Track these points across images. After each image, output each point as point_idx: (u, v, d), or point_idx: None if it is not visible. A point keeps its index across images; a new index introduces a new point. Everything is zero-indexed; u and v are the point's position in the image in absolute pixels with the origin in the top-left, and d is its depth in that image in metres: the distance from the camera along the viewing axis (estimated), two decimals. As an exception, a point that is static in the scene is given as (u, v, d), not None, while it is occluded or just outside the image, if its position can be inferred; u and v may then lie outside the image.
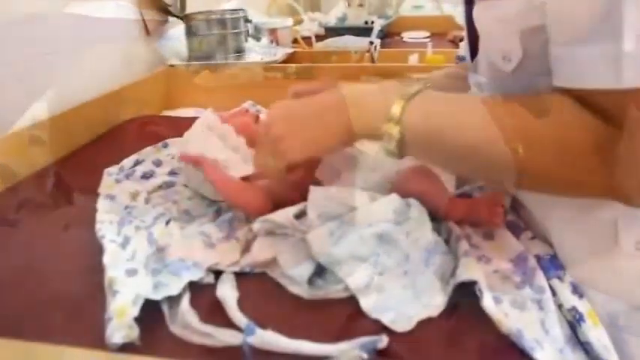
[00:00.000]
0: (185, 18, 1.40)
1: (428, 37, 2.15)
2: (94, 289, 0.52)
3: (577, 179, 0.47)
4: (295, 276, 0.49)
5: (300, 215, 0.54)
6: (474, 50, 0.63)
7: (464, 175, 0.62)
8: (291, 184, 0.62)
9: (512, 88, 0.56)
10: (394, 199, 0.54)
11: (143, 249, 0.55)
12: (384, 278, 0.49)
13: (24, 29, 0.95)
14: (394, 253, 0.50)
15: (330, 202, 0.53)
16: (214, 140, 0.67)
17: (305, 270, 0.49)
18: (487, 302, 0.46)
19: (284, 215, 0.53)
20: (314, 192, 0.54)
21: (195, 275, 0.52)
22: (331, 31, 2.02)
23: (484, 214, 0.59)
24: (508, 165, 0.48)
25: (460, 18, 2.39)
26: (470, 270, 0.49)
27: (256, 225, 0.55)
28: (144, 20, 1.33)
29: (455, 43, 2.07)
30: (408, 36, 2.17)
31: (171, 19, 1.42)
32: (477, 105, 0.51)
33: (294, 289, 0.50)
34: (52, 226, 0.68)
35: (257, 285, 0.53)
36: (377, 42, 1.47)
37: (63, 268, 0.58)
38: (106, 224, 0.61)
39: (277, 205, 0.58)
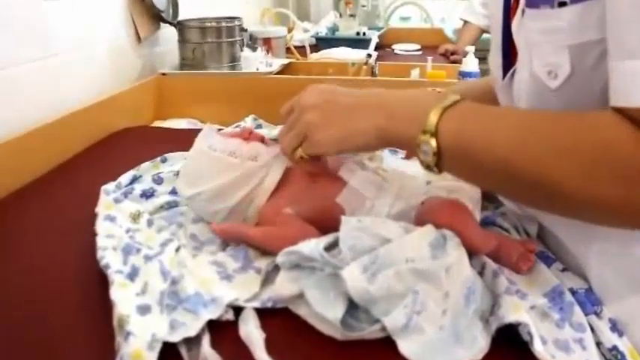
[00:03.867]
0: (178, 25, 1.34)
1: (419, 50, 2.14)
2: (98, 326, 0.47)
3: (616, 198, 0.42)
4: (328, 316, 0.45)
5: (329, 247, 0.50)
6: (507, 67, 0.60)
7: (498, 193, 0.59)
8: (313, 210, 0.58)
9: (554, 107, 0.53)
10: (430, 231, 0.50)
11: (155, 282, 0.50)
12: (423, 318, 0.46)
13: (13, 35, 0.89)
14: (433, 291, 0.47)
15: (362, 234, 0.49)
16: (225, 159, 0.61)
17: (338, 309, 0.45)
18: (538, 347, 0.43)
19: (313, 247, 0.48)
20: (346, 223, 0.50)
21: (214, 313, 0.47)
22: (322, 42, 1.99)
23: (514, 256, 0.56)
24: (538, 184, 0.45)
25: (449, 31, 2.39)
26: (516, 311, 0.45)
27: (280, 258, 0.50)
28: (135, 26, 1.27)
29: (446, 56, 2.06)
30: (399, 48, 2.15)
31: (163, 25, 1.37)
32: (513, 121, 0.48)
33: (325, 329, 0.46)
34: (45, 248, 0.63)
35: (282, 322, 0.48)
36: (374, 55, 1.45)
37: (60, 299, 0.53)
38: (109, 251, 0.56)
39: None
